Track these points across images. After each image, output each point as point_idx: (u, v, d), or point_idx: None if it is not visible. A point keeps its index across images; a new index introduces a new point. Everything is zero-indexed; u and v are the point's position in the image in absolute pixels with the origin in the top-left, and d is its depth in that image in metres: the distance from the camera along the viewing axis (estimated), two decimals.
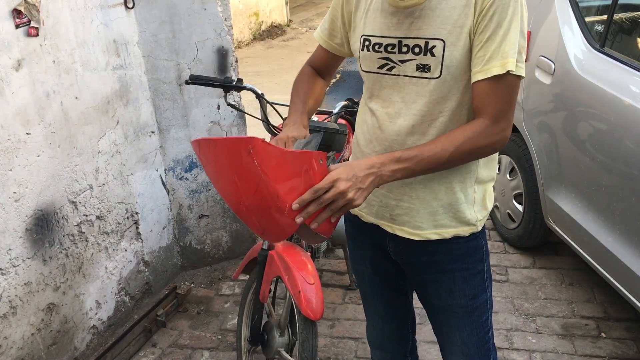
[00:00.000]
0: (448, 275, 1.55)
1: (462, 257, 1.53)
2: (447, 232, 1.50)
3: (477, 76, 1.33)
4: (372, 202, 1.57)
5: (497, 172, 3.14)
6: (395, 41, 1.41)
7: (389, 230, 1.56)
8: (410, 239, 1.52)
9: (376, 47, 1.44)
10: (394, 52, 1.41)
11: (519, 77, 1.33)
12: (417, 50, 1.38)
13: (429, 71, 1.37)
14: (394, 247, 1.59)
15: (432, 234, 1.50)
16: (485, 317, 1.61)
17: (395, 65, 1.42)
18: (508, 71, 1.29)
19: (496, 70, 1.29)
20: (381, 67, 1.45)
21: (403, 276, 1.70)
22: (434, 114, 1.41)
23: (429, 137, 1.41)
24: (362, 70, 1.52)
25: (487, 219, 1.72)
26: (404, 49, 1.40)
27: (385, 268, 1.68)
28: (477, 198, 1.50)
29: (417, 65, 1.39)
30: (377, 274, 1.71)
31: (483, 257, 1.56)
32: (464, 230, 1.50)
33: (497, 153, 1.49)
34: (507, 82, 1.31)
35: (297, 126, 1.56)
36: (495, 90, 1.32)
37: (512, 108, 1.35)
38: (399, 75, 1.43)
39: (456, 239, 1.51)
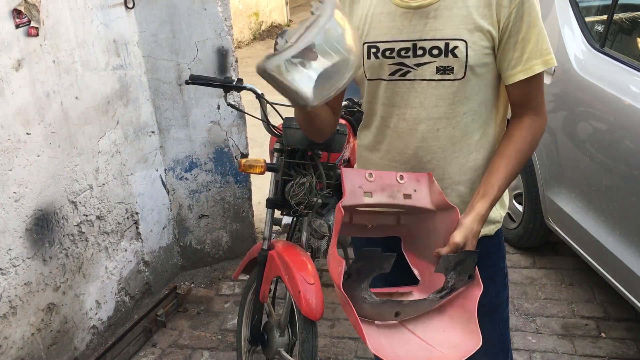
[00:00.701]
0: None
1: (487, 255, 1.49)
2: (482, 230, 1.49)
3: (518, 76, 1.36)
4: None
5: None
6: (409, 44, 1.36)
7: None
8: None
9: (387, 52, 1.38)
10: (408, 56, 1.37)
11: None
12: (435, 52, 1.34)
13: (452, 72, 1.35)
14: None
15: None
16: (506, 314, 1.61)
17: (410, 69, 1.37)
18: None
19: (538, 68, 1.35)
20: (393, 73, 1.40)
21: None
22: (457, 116, 1.39)
23: (456, 139, 1.41)
24: (368, 79, 1.45)
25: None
26: (420, 52, 1.35)
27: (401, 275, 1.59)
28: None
29: (437, 67, 1.35)
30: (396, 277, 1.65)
31: (504, 254, 1.58)
32: (490, 230, 1.51)
33: None
34: (542, 75, 1.39)
35: None
36: (536, 86, 1.39)
37: (544, 99, 1.44)
38: (415, 79, 1.38)
39: (482, 238, 1.46)
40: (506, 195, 1.56)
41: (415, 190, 1.37)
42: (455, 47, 1.32)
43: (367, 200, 1.35)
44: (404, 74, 1.38)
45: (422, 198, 1.38)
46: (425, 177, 1.39)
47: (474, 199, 1.37)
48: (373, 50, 1.40)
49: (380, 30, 1.39)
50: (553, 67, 2.85)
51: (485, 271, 1.47)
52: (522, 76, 1.36)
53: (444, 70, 1.35)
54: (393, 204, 1.38)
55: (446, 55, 1.33)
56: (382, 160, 1.50)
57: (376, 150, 1.51)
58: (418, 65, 1.36)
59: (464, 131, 1.41)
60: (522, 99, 1.40)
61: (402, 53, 1.37)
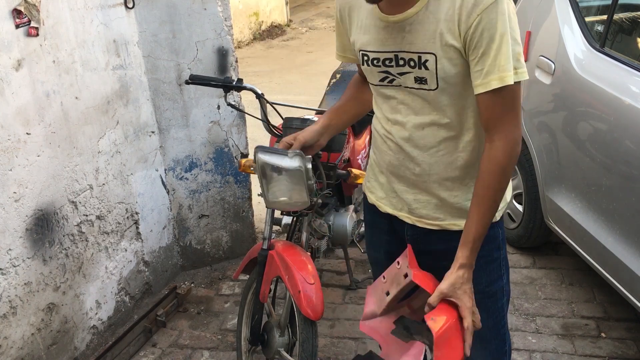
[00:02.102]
0: None
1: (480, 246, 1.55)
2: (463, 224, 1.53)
3: (478, 89, 1.36)
4: (390, 196, 1.63)
5: None
6: (391, 55, 1.44)
7: (408, 221, 1.61)
8: (428, 228, 1.57)
9: (374, 61, 1.48)
10: (392, 66, 1.45)
11: (519, 82, 1.36)
12: (412, 63, 1.42)
13: (426, 83, 1.42)
14: (411, 234, 1.62)
15: (451, 225, 1.55)
16: (501, 304, 1.64)
17: (395, 77, 1.47)
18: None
19: (495, 84, 1.33)
20: (382, 80, 1.50)
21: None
22: (442, 119, 1.46)
23: (441, 139, 1.47)
24: (370, 83, 1.58)
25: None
26: (401, 62, 1.43)
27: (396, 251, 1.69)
28: None
29: (414, 77, 1.43)
30: (391, 260, 1.72)
31: (499, 245, 1.60)
32: None
33: None
34: (508, 91, 1.35)
35: (309, 131, 1.78)
36: (500, 102, 1.36)
37: (518, 113, 1.40)
38: (400, 86, 1.47)
39: None
40: (509, 191, 1.58)
41: (408, 267, 1.49)
42: (426, 60, 1.39)
43: (388, 298, 1.55)
44: (391, 81, 1.48)
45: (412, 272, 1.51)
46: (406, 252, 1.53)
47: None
48: (365, 57, 1.51)
49: (369, 40, 1.48)
50: (553, 67, 2.88)
51: (478, 260, 1.53)
52: (481, 89, 1.36)
53: (420, 80, 1.43)
54: (401, 289, 1.52)
55: (419, 68, 1.41)
56: (374, 155, 1.65)
57: (388, 151, 1.61)
58: (400, 74, 1.45)
59: (450, 132, 1.47)
60: (486, 114, 1.38)
61: (387, 62, 1.46)
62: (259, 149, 1.91)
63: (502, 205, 1.56)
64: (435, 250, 1.59)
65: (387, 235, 1.71)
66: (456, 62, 1.37)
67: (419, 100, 1.46)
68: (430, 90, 1.42)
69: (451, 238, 1.54)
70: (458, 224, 1.54)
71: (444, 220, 1.56)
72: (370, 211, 1.74)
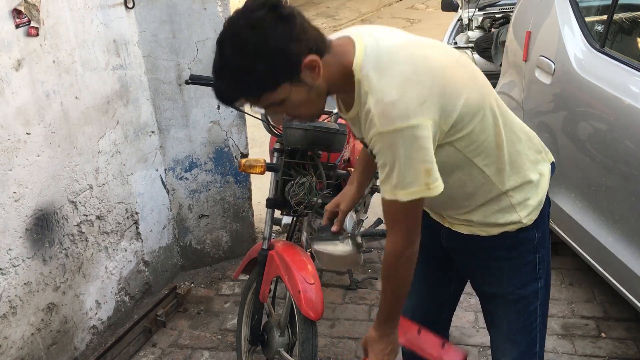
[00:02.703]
0: (495, 263, 1.60)
1: (510, 248, 1.57)
2: (494, 230, 1.55)
3: (380, 192, 1.44)
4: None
5: None
6: (363, 140, 1.49)
7: (442, 222, 1.65)
8: (459, 232, 1.60)
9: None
10: (368, 149, 1.50)
11: (412, 201, 1.36)
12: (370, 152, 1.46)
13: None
14: (445, 234, 1.65)
15: (480, 231, 1.56)
16: (534, 307, 1.63)
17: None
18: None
19: (384, 195, 1.38)
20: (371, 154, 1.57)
21: (450, 263, 1.76)
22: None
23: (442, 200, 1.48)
24: None
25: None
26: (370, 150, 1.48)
27: (433, 249, 1.72)
28: (514, 202, 1.52)
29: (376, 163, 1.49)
30: (426, 253, 1.74)
31: (535, 248, 1.59)
32: (511, 228, 1.54)
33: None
34: (394, 205, 1.38)
35: (350, 200, 1.85)
36: (391, 210, 1.41)
37: (403, 226, 1.43)
38: None
39: (502, 233, 1.55)
40: (535, 195, 1.55)
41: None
42: (371, 151, 1.42)
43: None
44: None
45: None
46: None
47: None
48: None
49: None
50: (553, 67, 2.88)
51: (508, 262, 1.58)
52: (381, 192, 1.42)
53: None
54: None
55: (374, 157, 1.44)
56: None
57: None
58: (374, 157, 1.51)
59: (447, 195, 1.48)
60: (383, 211, 1.45)
61: (366, 145, 1.50)
62: (314, 241, 1.94)
63: (529, 211, 1.54)
64: (466, 250, 1.64)
65: (425, 229, 1.72)
66: None
67: None
68: None
69: (482, 239, 1.57)
70: (487, 230, 1.56)
71: (473, 226, 1.58)
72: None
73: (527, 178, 1.55)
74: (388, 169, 1.34)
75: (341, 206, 1.87)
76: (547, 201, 1.60)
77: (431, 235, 1.69)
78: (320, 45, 1.31)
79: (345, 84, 1.37)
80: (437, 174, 1.35)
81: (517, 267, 1.59)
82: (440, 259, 1.75)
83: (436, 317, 1.86)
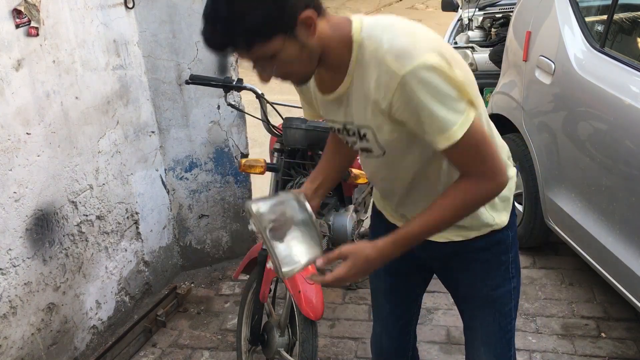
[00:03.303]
0: (471, 265, 1.58)
1: (484, 250, 1.56)
2: (469, 234, 1.53)
3: (436, 147, 1.30)
4: (393, 210, 1.63)
5: None
6: (341, 125, 1.46)
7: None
8: (435, 240, 1.54)
9: (333, 128, 1.52)
10: (344, 134, 1.47)
11: (472, 126, 1.27)
12: (355, 136, 1.43)
13: (372, 151, 1.43)
14: (419, 245, 1.57)
15: (454, 236, 1.54)
16: (509, 308, 1.62)
17: (351, 143, 1.49)
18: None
19: (442, 145, 1.27)
20: (346, 142, 1.52)
21: (417, 279, 1.75)
22: (408, 175, 1.47)
23: (413, 186, 1.49)
24: None
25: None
26: (350, 132, 1.45)
27: (399, 267, 1.66)
28: (488, 205, 1.49)
29: (361, 148, 1.46)
30: (390, 273, 1.72)
31: (508, 249, 1.58)
32: (485, 231, 1.53)
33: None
34: (464, 143, 1.27)
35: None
36: (463, 153, 1.30)
37: (488, 158, 1.32)
38: (358, 149, 1.50)
39: (476, 237, 1.54)
40: (507, 199, 1.54)
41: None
42: (365, 134, 1.39)
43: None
44: (351, 146, 1.50)
45: None
46: None
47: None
48: (328, 123, 1.53)
49: (323, 110, 1.52)
50: (553, 67, 2.88)
51: (483, 264, 1.56)
52: (439, 147, 1.29)
53: (366, 150, 1.44)
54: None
55: (361, 140, 1.41)
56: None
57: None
58: (352, 143, 1.48)
59: (418, 178, 1.47)
60: (454, 163, 1.35)
61: (340, 131, 1.48)
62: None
63: (503, 214, 1.54)
64: (440, 255, 1.61)
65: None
66: (393, 130, 1.33)
67: (375, 164, 1.49)
68: (379, 156, 1.43)
69: (455, 244, 1.55)
70: (461, 234, 1.53)
71: (446, 231, 1.51)
72: (378, 217, 1.75)
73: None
74: (426, 114, 1.24)
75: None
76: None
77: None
78: (317, 2, 1.28)
79: (339, 52, 1.32)
80: (471, 88, 1.28)
81: (492, 269, 1.57)
82: (405, 274, 1.72)
83: (403, 341, 1.85)
